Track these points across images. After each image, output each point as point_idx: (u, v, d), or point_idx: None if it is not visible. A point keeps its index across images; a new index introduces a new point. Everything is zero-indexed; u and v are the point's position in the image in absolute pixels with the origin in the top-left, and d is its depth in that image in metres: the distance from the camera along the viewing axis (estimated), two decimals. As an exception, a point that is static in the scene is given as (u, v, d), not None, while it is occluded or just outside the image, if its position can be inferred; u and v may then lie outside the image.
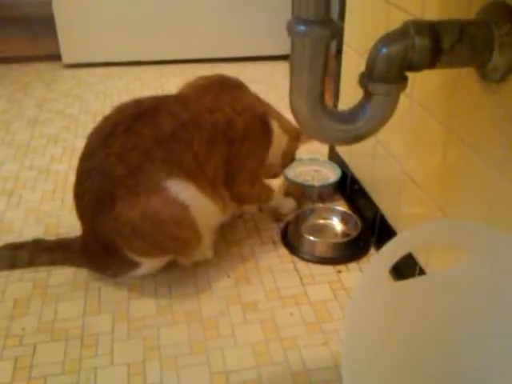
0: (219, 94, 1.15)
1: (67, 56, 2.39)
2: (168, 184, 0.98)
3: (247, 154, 1.13)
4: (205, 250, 1.11)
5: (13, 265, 1.11)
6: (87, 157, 1.03)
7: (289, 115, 0.79)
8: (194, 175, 1.02)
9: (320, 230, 1.26)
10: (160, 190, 0.98)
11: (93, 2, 2.31)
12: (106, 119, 1.06)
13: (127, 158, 0.98)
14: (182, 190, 0.99)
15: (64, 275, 1.11)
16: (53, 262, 1.12)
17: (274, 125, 1.19)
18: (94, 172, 1.00)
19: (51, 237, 1.21)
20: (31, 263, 1.12)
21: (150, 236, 0.99)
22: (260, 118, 1.17)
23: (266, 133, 1.18)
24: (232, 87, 1.21)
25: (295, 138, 1.27)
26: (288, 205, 1.31)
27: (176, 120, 1.03)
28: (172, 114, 1.04)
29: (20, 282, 1.09)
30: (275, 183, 1.37)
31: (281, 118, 1.24)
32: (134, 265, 1.04)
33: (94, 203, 0.99)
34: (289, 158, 1.31)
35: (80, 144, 1.64)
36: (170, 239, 1.00)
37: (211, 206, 1.05)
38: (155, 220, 0.97)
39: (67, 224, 1.26)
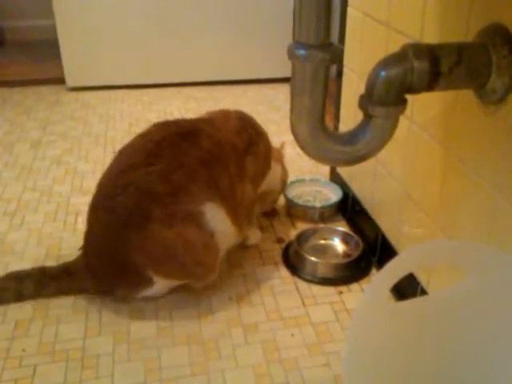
0: (241, 118, 1.20)
1: (71, 79, 2.42)
2: (205, 208, 0.99)
3: (257, 175, 1.18)
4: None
5: (19, 297, 1.08)
6: (123, 172, 1.01)
7: (290, 137, 0.80)
8: (226, 198, 1.04)
9: (321, 251, 1.26)
10: (197, 213, 0.98)
11: (96, 27, 2.35)
12: (143, 136, 1.07)
13: (171, 177, 0.98)
14: (216, 215, 1.01)
15: (65, 297, 1.10)
16: (59, 291, 1.09)
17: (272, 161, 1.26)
18: (132, 187, 0.98)
19: (53, 258, 1.21)
20: (37, 294, 1.08)
21: (179, 258, 0.98)
22: (270, 146, 1.24)
23: (269, 161, 1.23)
24: (243, 114, 1.25)
25: (282, 161, 1.34)
26: (255, 237, 1.29)
27: (213, 140, 1.06)
28: (209, 135, 1.06)
29: (21, 303, 1.08)
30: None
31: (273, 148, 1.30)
32: (146, 284, 1.03)
33: (126, 218, 0.97)
34: (284, 183, 1.38)
35: (83, 166, 1.68)
36: (196, 263, 1.01)
37: (233, 231, 1.07)
38: (187, 243, 0.98)
39: (69, 245, 1.26)
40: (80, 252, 1.09)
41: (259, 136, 1.18)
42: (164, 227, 0.96)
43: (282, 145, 1.38)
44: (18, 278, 1.10)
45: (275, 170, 1.28)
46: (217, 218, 1.01)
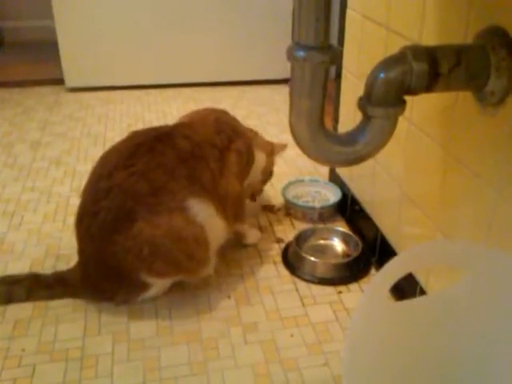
0: (218, 119, 1.21)
1: (70, 80, 2.42)
2: (189, 203, 1.01)
3: (241, 171, 1.18)
4: (210, 269, 1.10)
5: (9, 300, 1.08)
6: (105, 176, 1.02)
7: (289, 137, 0.80)
8: (211, 193, 1.06)
9: (321, 251, 1.26)
10: (182, 209, 1.00)
11: (96, 28, 2.35)
12: (124, 142, 1.08)
13: (151, 177, 1.00)
14: (201, 210, 1.02)
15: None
16: (51, 298, 1.09)
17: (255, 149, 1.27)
18: (115, 190, 0.99)
19: (52, 258, 1.22)
20: (28, 299, 1.08)
21: (169, 255, 0.99)
22: (250, 141, 1.25)
23: (253, 155, 1.25)
24: (223, 113, 1.28)
25: (271, 153, 1.34)
26: (253, 236, 1.30)
27: (191, 141, 1.08)
28: (186, 136, 1.09)
29: (20, 302, 1.08)
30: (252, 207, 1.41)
31: (256, 138, 1.31)
32: (143, 288, 1.04)
33: (111, 222, 0.98)
34: (268, 173, 1.36)
35: (82, 166, 1.68)
36: (187, 258, 1.01)
37: (222, 225, 1.09)
38: (178, 238, 0.99)
39: (68, 246, 1.26)
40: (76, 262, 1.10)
41: (238, 134, 1.20)
42: (151, 226, 0.97)
43: (279, 145, 1.38)
44: (10, 282, 1.10)
45: (259, 159, 1.28)
46: (204, 213, 1.03)
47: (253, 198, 1.38)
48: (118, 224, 0.98)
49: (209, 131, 1.15)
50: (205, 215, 1.03)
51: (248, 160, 1.21)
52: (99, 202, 1.00)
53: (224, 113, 1.27)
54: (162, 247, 0.98)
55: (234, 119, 1.27)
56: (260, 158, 1.29)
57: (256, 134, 1.33)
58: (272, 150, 1.35)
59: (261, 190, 1.40)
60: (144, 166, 1.01)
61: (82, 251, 1.06)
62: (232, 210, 1.14)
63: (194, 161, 1.06)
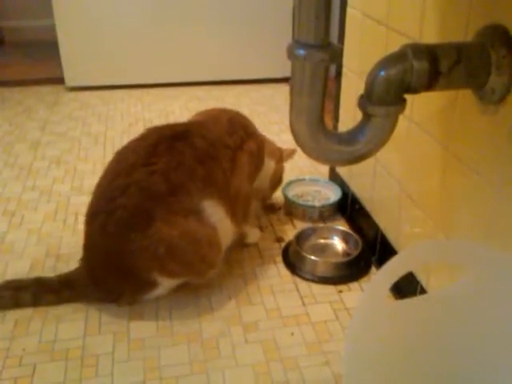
0: (231, 119, 1.21)
1: (70, 79, 2.42)
2: (205, 205, 1.01)
3: (251, 171, 1.18)
4: (216, 271, 1.10)
5: (16, 306, 1.06)
6: (121, 174, 1.01)
7: (289, 136, 0.80)
8: (223, 194, 1.05)
9: (321, 250, 1.26)
10: (198, 211, 1.00)
11: (96, 27, 2.35)
12: (141, 139, 1.08)
13: (171, 176, 0.99)
14: (215, 212, 1.03)
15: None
16: (58, 303, 1.08)
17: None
18: (133, 188, 0.98)
19: (52, 257, 1.22)
20: (35, 304, 1.07)
21: (183, 256, 0.99)
22: (262, 143, 1.24)
23: (263, 157, 1.24)
24: (235, 113, 1.26)
25: (280, 160, 1.34)
26: (254, 235, 1.29)
27: (207, 140, 1.08)
28: (202, 135, 1.09)
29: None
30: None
31: (266, 143, 1.30)
32: (151, 287, 1.03)
33: (127, 219, 0.97)
34: (277, 179, 1.36)
35: (82, 166, 1.68)
36: (199, 260, 1.02)
37: (231, 226, 1.09)
38: (193, 240, 0.99)
39: (69, 245, 1.26)
40: (80, 263, 1.08)
41: (250, 135, 1.19)
42: (168, 226, 0.97)
43: (287, 150, 1.37)
44: (16, 288, 1.08)
45: (267, 166, 1.28)
46: (216, 215, 1.03)
47: (263, 202, 1.39)
48: (136, 222, 0.97)
49: (222, 131, 1.14)
50: (217, 217, 1.03)
51: (258, 161, 1.21)
52: (115, 200, 0.98)
53: (236, 113, 1.26)
54: (177, 248, 0.98)
55: (246, 119, 1.26)
56: (269, 165, 1.29)
57: (265, 139, 1.31)
58: (281, 157, 1.34)
59: (269, 196, 1.40)
60: (165, 166, 1.00)
61: (91, 249, 1.05)
62: (241, 210, 1.14)
63: (209, 161, 1.05)
